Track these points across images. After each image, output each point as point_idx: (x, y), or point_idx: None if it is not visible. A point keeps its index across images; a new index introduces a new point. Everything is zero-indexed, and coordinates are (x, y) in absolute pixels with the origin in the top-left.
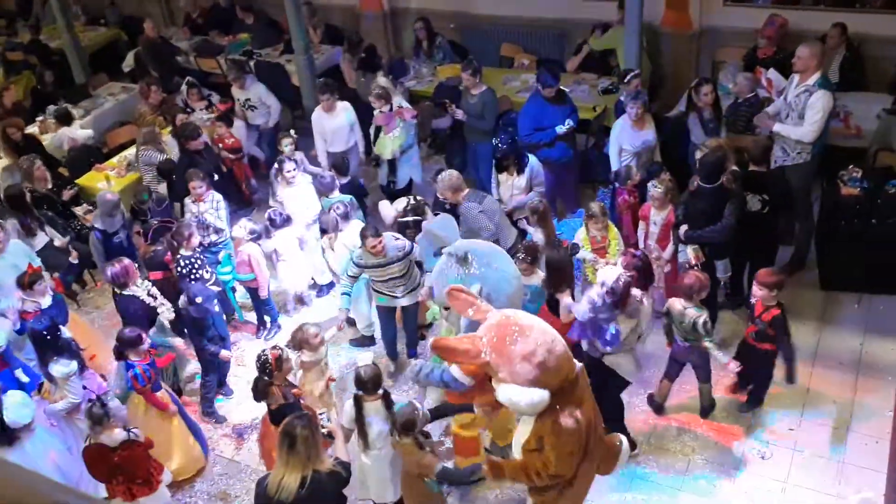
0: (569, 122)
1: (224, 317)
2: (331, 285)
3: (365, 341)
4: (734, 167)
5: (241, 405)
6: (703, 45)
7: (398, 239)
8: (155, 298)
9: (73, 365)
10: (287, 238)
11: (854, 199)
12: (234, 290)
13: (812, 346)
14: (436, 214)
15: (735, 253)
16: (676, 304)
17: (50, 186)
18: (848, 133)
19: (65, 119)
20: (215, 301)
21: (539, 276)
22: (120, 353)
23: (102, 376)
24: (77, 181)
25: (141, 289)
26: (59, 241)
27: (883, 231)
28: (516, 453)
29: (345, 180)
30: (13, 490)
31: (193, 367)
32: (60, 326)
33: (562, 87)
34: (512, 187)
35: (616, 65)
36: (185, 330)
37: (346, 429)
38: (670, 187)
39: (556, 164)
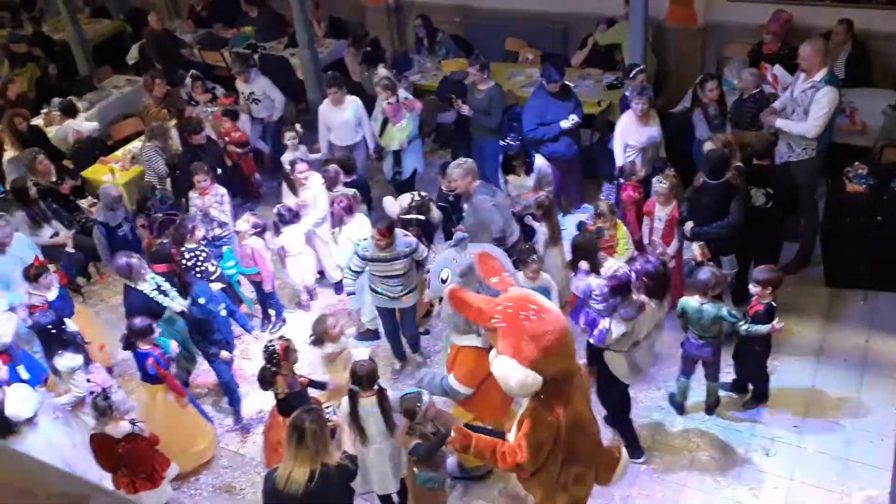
0: (573, 118)
1: (231, 321)
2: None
3: (369, 335)
4: (739, 163)
5: (247, 398)
6: (709, 41)
7: (407, 235)
8: (166, 294)
9: (79, 359)
10: (295, 234)
11: (859, 196)
12: (238, 283)
13: (817, 343)
14: (440, 207)
15: (739, 248)
16: (692, 301)
17: (54, 179)
18: (853, 129)
19: (70, 111)
20: (222, 305)
21: (543, 278)
22: (129, 343)
23: (109, 369)
24: (82, 174)
25: (149, 284)
26: (63, 233)
27: (888, 228)
28: (510, 437)
29: (350, 179)
30: (25, 480)
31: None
32: (65, 320)
33: (566, 82)
34: (520, 187)
35: (621, 60)
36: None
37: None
38: (675, 183)
39: (560, 160)
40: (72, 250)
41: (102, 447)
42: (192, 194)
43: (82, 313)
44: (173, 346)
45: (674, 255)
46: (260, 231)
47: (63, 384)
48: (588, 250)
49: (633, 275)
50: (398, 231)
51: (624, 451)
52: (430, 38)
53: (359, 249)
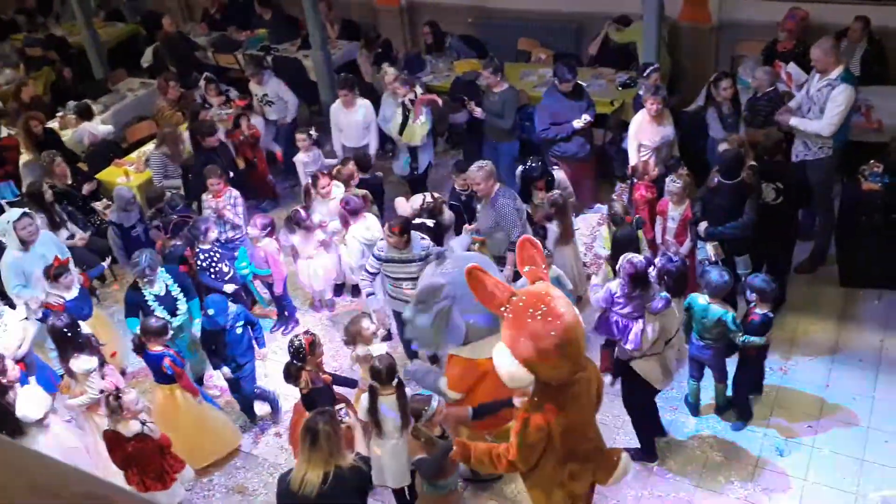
0: (585, 117)
1: (250, 335)
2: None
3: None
4: (753, 162)
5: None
6: (722, 39)
7: (424, 238)
8: (170, 302)
9: (94, 361)
10: (308, 237)
11: (875, 195)
12: (252, 282)
13: (832, 343)
14: (451, 206)
15: (751, 247)
16: (700, 298)
17: (70, 182)
18: (869, 127)
19: (85, 114)
20: (240, 323)
21: (554, 271)
22: (139, 346)
23: (123, 372)
24: (96, 176)
25: (158, 286)
26: (79, 235)
27: None
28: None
29: (365, 176)
30: (41, 477)
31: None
32: (80, 322)
33: (579, 82)
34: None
35: (637, 58)
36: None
37: (361, 420)
38: (688, 182)
39: (572, 160)
40: (107, 264)
41: (114, 444)
42: (205, 196)
43: (98, 316)
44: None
45: (687, 255)
46: (270, 230)
47: (78, 386)
48: (629, 242)
49: (637, 259)
50: (415, 234)
51: (625, 455)
52: (438, 43)
53: (375, 249)
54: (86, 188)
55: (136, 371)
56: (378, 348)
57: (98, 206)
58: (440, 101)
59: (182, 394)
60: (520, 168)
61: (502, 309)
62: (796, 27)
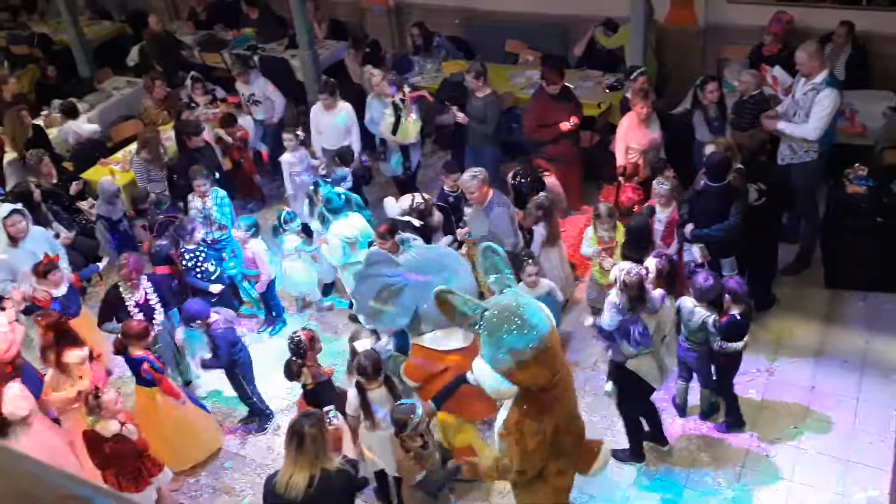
0: (573, 120)
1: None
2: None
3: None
4: (740, 165)
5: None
6: (709, 43)
7: (416, 240)
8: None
9: (86, 350)
10: (294, 240)
11: (860, 198)
12: (241, 282)
13: (817, 345)
14: (439, 208)
15: (736, 249)
16: (688, 301)
17: (55, 181)
18: (854, 131)
19: (71, 113)
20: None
21: (545, 285)
22: (122, 349)
23: (108, 373)
24: (82, 175)
25: (136, 295)
26: (64, 234)
27: (888, 229)
28: (496, 436)
29: (346, 171)
30: (23, 480)
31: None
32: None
33: (566, 84)
34: None
35: (623, 61)
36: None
37: (351, 416)
38: (675, 185)
39: (560, 161)
40: (101, 265)
41: (92, 444)
42: (191, 197)
43: (85, 316)
44: (178, 335)
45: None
46: (255, 231)
47: (69, 380)
48: (642, 232)
49: (636, 269)
50: (407, 235)
51: (604, 446)
52: (426, 43)
53: (401, 236)
54: (73, 188)
55: (123, 372)
56: (362, 344)
57: (84, 205)
58: (428, 96)
59: (162, 397)
60: (510, 181)
61: (476, 327)
62: (782, 31)
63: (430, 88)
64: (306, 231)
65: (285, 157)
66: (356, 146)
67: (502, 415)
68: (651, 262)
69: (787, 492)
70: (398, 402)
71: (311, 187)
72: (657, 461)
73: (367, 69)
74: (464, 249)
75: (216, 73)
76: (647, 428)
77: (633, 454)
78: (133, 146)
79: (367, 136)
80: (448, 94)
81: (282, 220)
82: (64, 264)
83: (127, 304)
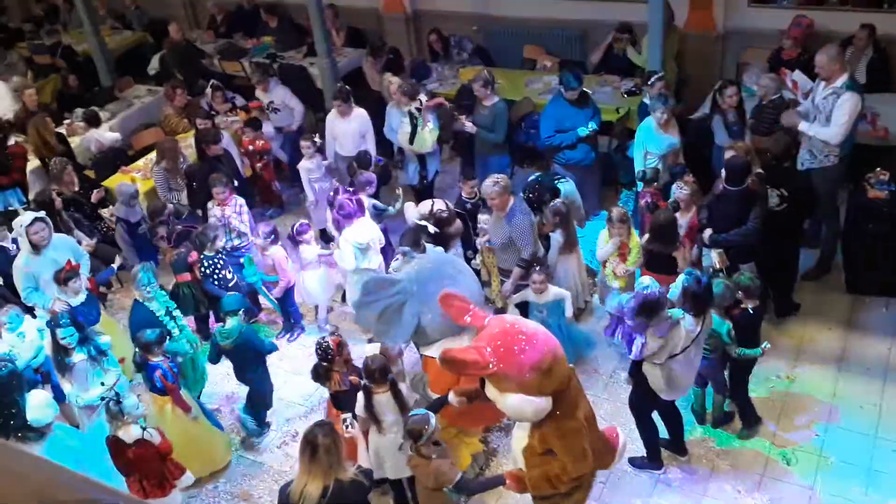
0: (591, 125)
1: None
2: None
3: None
4: (759, 170)
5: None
6: (728, 47)
7: (437, 246)
8: (174, 320)
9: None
10: (312, 250)
11: (881, 202)
12: (262, 288)
13: (838, 351)
14: (458, 215)
15: (757, 255)
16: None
17: (77, 189)
18: (875, 135)
19: (93, 121)
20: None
21: (552, 291)
22: (143, 363)
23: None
24: (103, 183)
25: (160, 303)
26: (86, 242)
27: None
28: (518, 458)
29: (372, 176)
30: (43, 484)
31: None
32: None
33: (585, 90)
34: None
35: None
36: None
37: (362, 419)
38: (696, 189)
39: (578, 167)
40: (116, 266)
41: (116, 450)
42: (211, 205)
43: (107, 322)
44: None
45: (694, 262)
46: (274, 238)
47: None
48: (666, 228)
49: (659, 291)
50: (429, 246)
51: (621, 433)
52: (444, 49)
53: (394, 266)
54: (94, 196)
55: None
56: (371, 348)
57: (105, 212)
58: (446, 103)
59: (173, 408)
60: (527, 192)
61: (490, 367)
62: (802, 35)
63: (448, 94)
64: (326, 238)
65: (303, 164)
66: (372, 150)
67: (519, 436)
68: (679, 280)
69: (808, 501)
70: (411, 413)
71: (332, 193)
72: (676, 469)
73: (387, 76)
74: (478, 259)
75: (236, 82)
76: (665, 434)
77: (651, 461)
78: (153, 154)
79: (385, 144)
80: (466, 101)
81: (295, 231)
82: (85, 270)
83: (157, 313)
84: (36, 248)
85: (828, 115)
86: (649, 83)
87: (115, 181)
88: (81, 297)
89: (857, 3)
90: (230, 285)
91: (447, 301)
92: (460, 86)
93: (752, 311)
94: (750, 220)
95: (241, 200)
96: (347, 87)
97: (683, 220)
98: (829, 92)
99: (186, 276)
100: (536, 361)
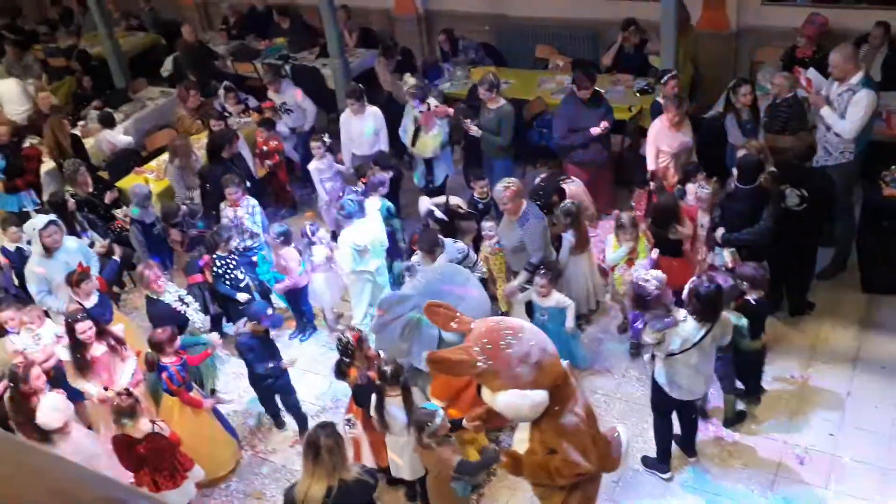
0: (604, 124)
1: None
2: None
3: None
4: (772, 168)
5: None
6: (741, 46)
7: (457, 242)
8: (187, 305)
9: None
10: (322, 252)
11: None
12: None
13: (853, 350)
14: (471, 215)
15: (772, 254)
16: None
17: (91, 190)
18: (891, 133)
19: (108, 122)
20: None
21: (556, 296)
22: (154, 363)
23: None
24: (117, 184)
25: (172, 294)
26: (99, 243)
27: None
28: (518, 445)
29: (388, 175)
30: (58, 481)
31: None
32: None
33: (597, 89)
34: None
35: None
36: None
37: (375, 418)
38: (717, 189)
39: (590, 166)
40: (117, 258)
41: (124, 448)
42: (223, 206)
43: (121, 320)
44: (213, 337)
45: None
46: (284, 239)
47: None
48: (669, 212)
49: (653, 285)
50: (447, 241)
51: (621, 431)
52: (453, 49)
53: (406, 263)
54: (108, 197)
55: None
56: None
57: (119, 213)
58: (451, 112)
59: (181, 409)
60: (532, 196)
61: (479, 365)
62: (816, 33)
63: (459, 94)
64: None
65: (314, 165)
66: (385, 148)
67: (520, 438)
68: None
69: (822, 500)
70: (421, 406)
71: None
72: (688, 467)
73: (405, 77)
74: (481, 254)
75: (248, 83)
76: (678, 430)
77: (660, 462)
78: (167, 155)
79: (400, 145)
80: (475, 102)
81: (310, 233)
82: (94, 272)
83: (169, 302)
84: (48, 251)
85: (842, 113)
86: (662, 82)
87: (128, 182)
88: (94, 300)
89: (871, 0)
90: (241, 285)
91: (431, 309)
92: (472, 86)
93: (755, 302)
94: (762, 218)
95: (254, 201)
96: (360, 85)
97: (706, 219)
98: (845, 89)
99: (198, 278)
100: (524, 353)
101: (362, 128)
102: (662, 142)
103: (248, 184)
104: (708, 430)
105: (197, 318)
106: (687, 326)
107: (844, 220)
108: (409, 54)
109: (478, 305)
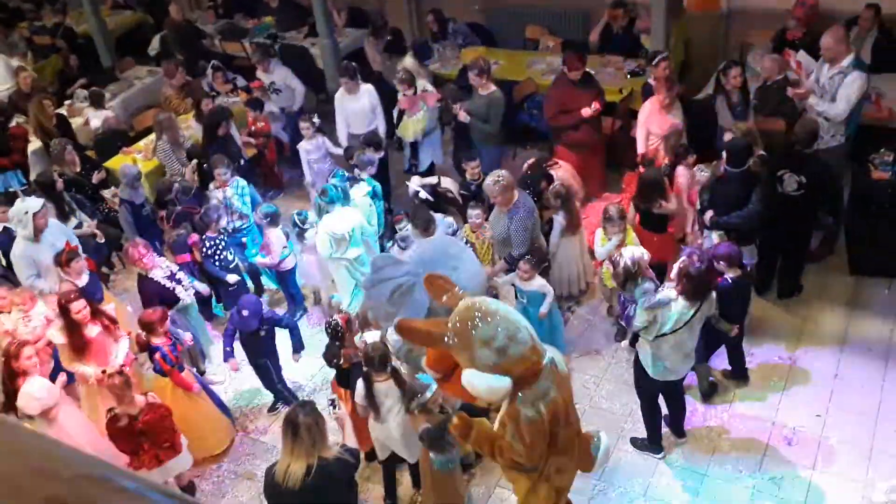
0: (594, 105)
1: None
2: None
3: None
4: (762, 151)
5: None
6: (731, 27)
7: (446, 217)
8: (179, 282)
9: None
10: (311, 234)
11: (885, 183)
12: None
13: (841, 332)
14: (461, 196)
15: (767, 238)
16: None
17: (78, 170)
18: (879, 115)
19: (97, 102)
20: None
21: (538, 281)
22: (146, 344)
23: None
24: (105, 164)
25: (163, 270)
26: (87, 223)
27: None
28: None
29: (379, 155)
30: (38, 458)
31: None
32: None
33: (588, 70)
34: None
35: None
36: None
37: (360, 406)
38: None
39: (581, 148)
40: (101, 240)
41: (118, 432)
42: (212, 186)
43: (110, 300)
44: (186, 338)
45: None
46: (271, 220)
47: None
48: (654, 184)
49: (629, 260)
50: (437, 216)
51: (603, 436)
52: (441, 30)
53: (399, 235)
54: (96, 177)
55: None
56: (372, 335)
57: (107, 193)
58: (431, 102)
59: (173, 389)
60: (520, 184)
61: (446, 340)
62: (806, 15)
63: (449, 75)
64: None
65: (303, 145)
66: (381, 126)
67: (497, 418)
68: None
69: (809, 481)
70: (416, 375)
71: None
72: (678, 449)
73: (406, 59)
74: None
75: (237, 62)
76: (665, 411)
77: (652, 442)
78: (154, 135)
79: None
80: (465, 83)
81: (299, 222)
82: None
83: (160, 281)
84: (37, 233)
85: (833, 95)
86: (653, 63)
87: (116, 162)
88: (85, 279)
89: None
90: (231, 266)
91: (430, 279)
92: (461, 66)
93: (731, 281)
94: (752, 202)
95: (243, 182)
96: (351, 62)
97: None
98: (836, 71)
99: (186, 257)
100: (488, 337)
101: (357, 107)
102: (653, 124)
103: (238, 164)
104: (696, 412)
105: (186, 296)
106: (677, 306)
107: (833, 202)
108: (399, 34)
109: (472, 276)
